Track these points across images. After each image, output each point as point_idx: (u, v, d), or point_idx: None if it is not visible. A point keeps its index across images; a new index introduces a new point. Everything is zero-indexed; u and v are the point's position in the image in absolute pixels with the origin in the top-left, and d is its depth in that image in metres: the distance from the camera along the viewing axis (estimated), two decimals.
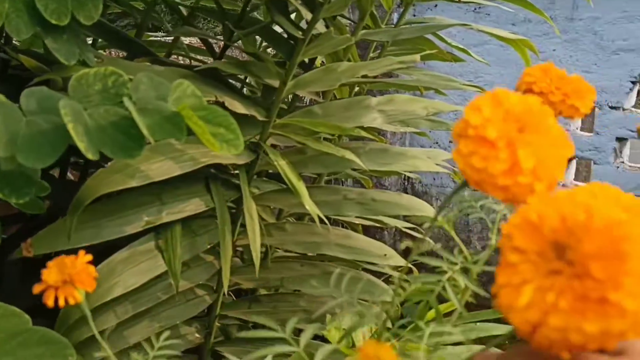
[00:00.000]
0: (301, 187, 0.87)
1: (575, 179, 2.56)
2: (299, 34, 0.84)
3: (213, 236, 0.98)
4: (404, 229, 1.50)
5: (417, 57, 0.92)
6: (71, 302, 0.48)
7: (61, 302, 0.47)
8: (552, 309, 0.22)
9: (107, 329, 0.87)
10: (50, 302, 0.47)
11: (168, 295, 0.90)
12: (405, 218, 2.61)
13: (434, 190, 2.92)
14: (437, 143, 2.86)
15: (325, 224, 1.26)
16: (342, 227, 1.35)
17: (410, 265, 1.22)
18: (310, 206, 0.86)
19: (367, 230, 3.06)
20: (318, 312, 1.19)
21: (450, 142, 2.80)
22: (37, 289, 0.48)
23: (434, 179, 2.91)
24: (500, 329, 1.05)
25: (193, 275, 1.00)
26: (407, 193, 3.01)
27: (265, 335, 0.47)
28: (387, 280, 1.21)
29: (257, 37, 1.28)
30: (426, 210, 1.15)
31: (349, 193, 1.09)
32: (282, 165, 0.89)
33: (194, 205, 0.89)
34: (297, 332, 0.47)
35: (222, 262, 0.91)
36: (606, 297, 0.21)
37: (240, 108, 0.84)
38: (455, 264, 0.46)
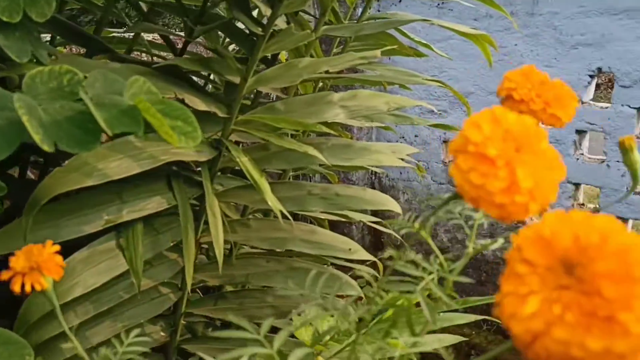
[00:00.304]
0: (263, 183, 0.87)
1: None
2: (258, 30, 0.84)
3: (176, 234, 0.98)
4: (371, 224, 1.52)
5: (378, 52, 0.93)
6: (37, 288, 0.49)
7: (27, 288, 0.48)
8: (557, 320, 0.22)
9: (69, 329, 0.86)
10: (17, 288, 0.48)
11: (130, 294, 0.89)
12: (374, 214, 2.63)
13: (401, 185, 2.95)
14: (403, 137, 2.88)
15: (290, 219, 1.26)
16: (310, 222, 1.35)
17: (376, 260, 1.22)
18: (272, 202, 0.86)
19: (335, 226, 3.08)
20: (285, 308, 1.19)
21: (416, 136, 2.83)
22: (4, 275, 0.48)
23: (401, 173, 2.94)
24: (464, 318, 1.07)
25: (156, 274, 0.99)
26: (374, 188, 3.03)
27: (238, 335, 0.47)
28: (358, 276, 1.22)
29: (221, 33, 1.27)
30: (390, 204, 1.16)
31: (313, 188, 1.10)
32: (244, 161, 0.88)
33: (155, 203, 0.88)
34: (266, 328, 0.47)
35: (185, 260, 0.91)
36: (614, 316, 0.21)
37: (200, 105, 0.84)
38: (431, 272, 0.46)
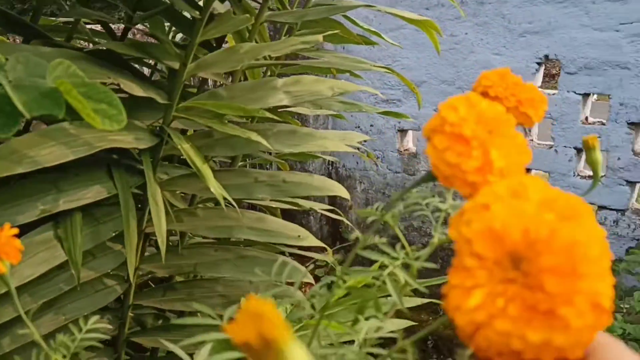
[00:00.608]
0: (206, 170, 0.86)
1: None
2: (196, 14, 0.82)
3: (119, 224, 0.96)
4: (328, 214, 1.52)
5: (320, 37, 0.93)
6: None
7: None
8: (499, 313, 0.23)
9: (7, 322, 0.83)
10: None
11: (71, 286, 0.87)
12: (332, 203, 2.63)
13: (357, 174, 2.97)
14: (359, 127, 2.90)
15: (239, 207, 1.25)
16: (262, 212, 1.35)
17: (325, 247, 1.22)
18: (215, 188, 0.85)
19: (293, 217, 3.08)
20: (235, 297, 1.18)
21: (371, 126, 2.85)
22: None
23: (357, 163, 2.95)
24: (412, 302, 1.08)
25: (99, 265, 0.97)
26: (331, 177, 3.04)
27: (197, 322, 0.47)
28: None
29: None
30: (338, 190, 1.16)
31: (260, 175, 1.09)
32: (186, 148, 0.87)
33: (94, 193, 0.87)
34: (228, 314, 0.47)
35: (127, 250, 0.89)
36: (555, 310, 0.22)
37: (137, 90, 0.82)
38: (397, 259, 0.46)
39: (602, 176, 2.25)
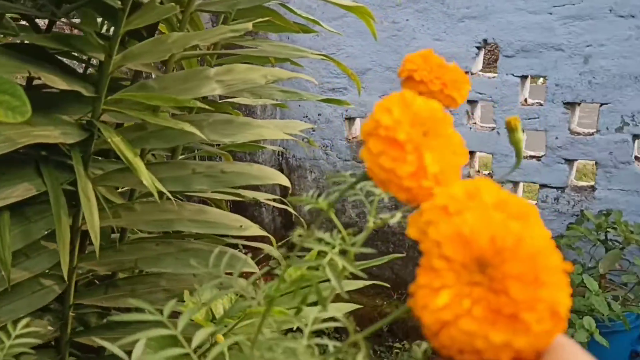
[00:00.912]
0: (138, 162, 0.85)
1: None
2: (117, 4, 0.81)
3: (52, 222, 0.93)
4: (273, 203, 1.52)
5: (249, 24, 0.92)
6: None
7: None
8: (465, 313, 0.24)
9: None
10: None
11: (1, 287, 0.85)
12: (284, 194, 2.63)
13: (308, 164, 2.97)
14: (306, 117, 2.90)
15: (180, 200, 1.24)
16: (207, 204, 1.34)
17: (269, 235, 1.22)
18: (148, 181, 0.84)
19: (244, 209, 3.07)
20: (179, 291, 1.17)
21: (319, 115, 2.86)
22: None
23: (307, 153, 2.96)
24: (353, 285, 1.09)
25: (33, 265, 0.95)
26: (282, 168, 3.04)
27: (138, 318, 0.46)
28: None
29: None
30: (278, 178, 1.16)
31: (198, 167, 1.08)
32: (116, 141, 0.86)
33: (22, 191, 0.84)
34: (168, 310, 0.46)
35: (60, 248, 0.87)
36: (518, 315, 0.23)
37: (61, 84, 0.80)
38: (334, 246, 0.46)
39: (542, 155, 2.32)
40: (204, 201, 1.48)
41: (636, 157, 2.19)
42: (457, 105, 0.45)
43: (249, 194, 1.36)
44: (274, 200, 1.44)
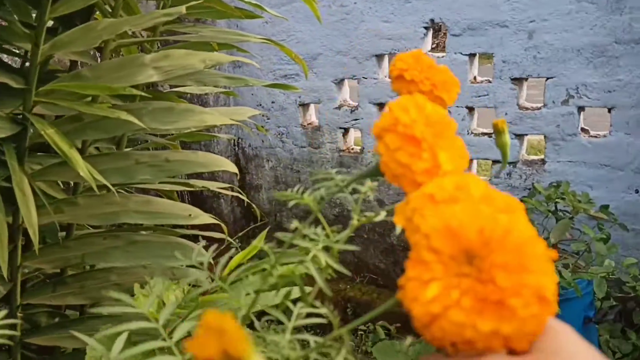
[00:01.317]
0: (73, 154, 0.83)
1: None
2: None
3: None
4: (238, 196, 1.51)
5: (182, 8, 0.91)
6: None
7: None
8: (454, 304, 0.24)
9: None
10: None
11: None
12: (242, 185, 2.59)
13: (264, 153, 2.96)
14: (260, 105, 2.88)
15: (128, 192, 1.22)
16: (159, 196, 1.32)
17: (219, 222, 1.19)
18: (85, 173, 0.82)
19: (203, 202, 3.02)
20: (130, 284, 1.15)
21: (272, 102, 2.84)
22: None
23: (263, 141, 2.94)
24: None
25: None
26: (237, 158, 3.02)
27: (114, 311, 0.45)
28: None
29: None
30: (225, 165, 1.15)
31: (141, 157, 1.06)
32: (50, 134, 0.83)
33: None
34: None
35: None
36: (504, 301, 0.24)
37: None
38: (318, 242, 0.45)
39: (493, 132, 2.36)
40: (157, 194, 1.46)
41: (582, 129, 2.24)
42: (446, 107, 0.46)
43: (199, 183, 1.34)
44: (225, 188, 1.42)
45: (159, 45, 1.34)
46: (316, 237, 0.47)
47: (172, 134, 1.42)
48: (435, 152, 0.33)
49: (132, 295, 1.10)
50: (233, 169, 1.16)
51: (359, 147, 2.71)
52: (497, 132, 0.48)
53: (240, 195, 1.52)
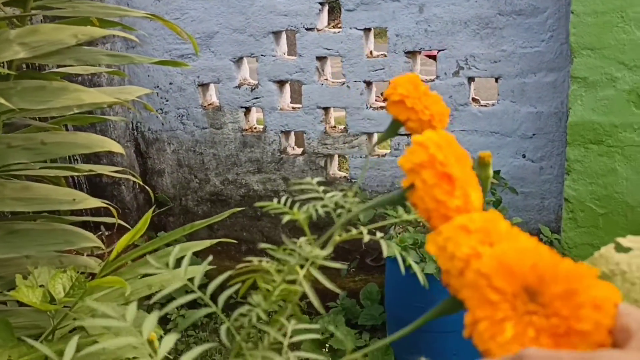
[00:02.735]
0: None
1: (292, 101, 2.72)
2: None
3: None
4: (120, 175, 1.45)
5: None
6: None
7: None
8: (530, 342, 0.26)
9: None
10: None
11: None
12: (144, 171, 2.50)
13: (165, 136, 2.88)
14: (157, 86, 2.80)
15: (4, 179, 1.14)
16: (48, 183, 1.24)
17: (107, 205, 1.15)
18: None
19: (103, 189, 2.90)
20: (12, 277, 1.09)
21: (170, 84, 2.76)
22: None
23: (163, 124, 2.86)
24: (200, 245, 1.07)
25: None
26: (137, 143, 2.92)
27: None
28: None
29: None
30: (109, 145, 1.11)
31: (14, 140, 1.00)
32: None
33: None
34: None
35: None
36: (572, 327, 0.26)
37: None
38: (307, 259, 0.45)
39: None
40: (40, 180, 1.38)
41: (473, 99, 2.34)
42: None
43: (85, 167, 1.28)
44: (117, 172, 1.37)
45: (31, 21, 1.26)
46: (300, 251, 0.46)
47: (55, 117, 1.34)
48: (467, 191, 0.35)
49: (13, 288, 1.05)
50: (118, 149, 1.12)
51: (262, 126, 2.70)
52: (482, 165, 0.48)
53: (133, 179, 1.47)
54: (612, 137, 1.92)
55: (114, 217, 1.26)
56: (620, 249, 0.32)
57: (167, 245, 1.11)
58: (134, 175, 1.58)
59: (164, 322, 2.55)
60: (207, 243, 1.08)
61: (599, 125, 1.92)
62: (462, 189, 0.35)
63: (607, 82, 1.87)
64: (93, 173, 1.28)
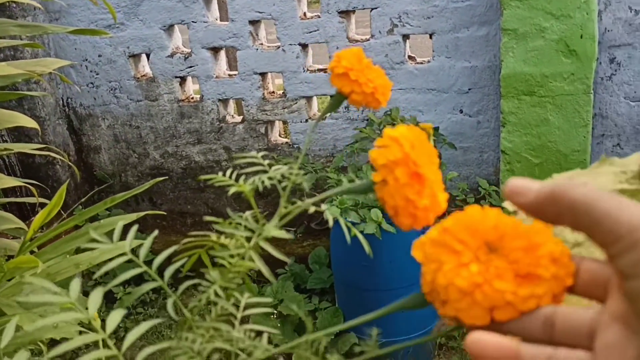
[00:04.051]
0: None
1: (230, 68, 2.66)
2: None
3: None
4: (74, 160, 1.39)
5: None
6: None
7: None
8: (494, 277, 0.29)
9: None
10: None
11: None
12: (79, 151, 2.42)
13: (98, 111, 2.78)
14: (86, 59, 2.69)
15: None
16: None
17: (29, 186, 1.09)
18: None
19: (37, 169, 2.79)
20: None
21: (99, 56, 2.66)
22: None
23: (95, 99, 2.76)
24: (128, 218, 1.04)
25: None
26: (69, 119, 2.81)
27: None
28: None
29: None
30: (22, 120, 1.05)
31: None
32: None
33: None
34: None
35: None
36: (531, 272, 0.29)
37: None
38: (253, 231, 0.45)
39: (323, 69, 2.39)
40: None
41: (409, 57, 2.34)
42: (379, 107, 0.49)
43: (12, 146, 1.21)
44: (37, 149, 1.30)
45: None
46: (247, 224, 0.46)
47: None
48: (434, 191, 0.36)
49: None
50: (30, 123, 1.06)
51: (199, 96, 2.63)
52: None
53: (55, 156, 1.41)
54: (543, 88, 1.95)
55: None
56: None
57: (91, 220, 1.07)
58: (59, 153, 1.51)
59: (110, 301, 2.50)
60: (134, 216, 1.04)
61: (530, 77, 1.95)
62: (430, 189, 0.36)
63: (536, 32, 1.89)
64: (16, 152, 1.22)
